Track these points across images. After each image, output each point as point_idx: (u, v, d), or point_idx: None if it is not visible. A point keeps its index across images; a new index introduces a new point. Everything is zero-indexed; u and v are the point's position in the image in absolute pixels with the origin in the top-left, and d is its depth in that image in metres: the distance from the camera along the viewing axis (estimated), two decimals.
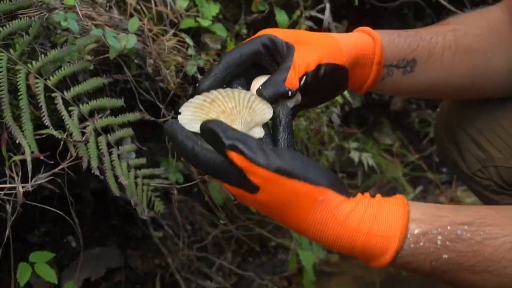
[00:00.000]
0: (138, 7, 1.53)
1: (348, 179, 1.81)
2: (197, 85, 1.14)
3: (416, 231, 0.83)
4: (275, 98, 0.90)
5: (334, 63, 1.00)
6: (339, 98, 1.60)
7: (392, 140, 2.00)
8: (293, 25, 1.78)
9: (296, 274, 1.95)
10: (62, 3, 1.38)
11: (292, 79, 0.92)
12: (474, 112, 1.31)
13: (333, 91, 1.09)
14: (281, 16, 1.68)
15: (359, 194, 0.86)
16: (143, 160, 1.39)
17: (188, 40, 1.53)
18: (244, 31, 1.70)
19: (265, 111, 0.88)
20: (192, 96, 0.94)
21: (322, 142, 1.75)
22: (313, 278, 1.85)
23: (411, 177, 2.02)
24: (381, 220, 0.83)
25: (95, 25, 1.42)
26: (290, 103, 0.92)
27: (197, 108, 0.87)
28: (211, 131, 0.81)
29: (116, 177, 1.31)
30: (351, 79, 1.07)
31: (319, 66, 0.97)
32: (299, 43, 0.98)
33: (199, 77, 1.52)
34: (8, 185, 1.22)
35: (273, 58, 0.98)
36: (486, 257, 0.82)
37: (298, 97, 0.94)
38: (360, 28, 1.12)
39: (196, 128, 0.84)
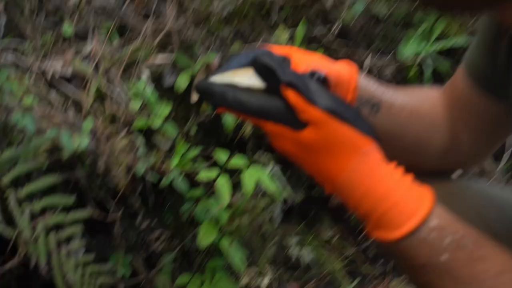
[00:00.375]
0: (93, 108, 1.58)
1: (288, 273, 1.83)
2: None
3: (434, 222, 0.84)
4: None
5: (321, 72, 1.01)
6: (279, 197, 1.67)
7: (332, 233, 2.04)
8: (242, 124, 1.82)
9: None
10: (21, 104, 1.42)
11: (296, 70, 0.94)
12: None
13: None
14: (228, 118, 1.73)
15: (395, 163, 0.88)
16: (91, 257, 1.39)
17: (139, 141, 1.58)
18: (194, 130, 1.74)
19: None
20: None
21: (264, 238, 1.77)
22: None
23: (349, 269, 2.00)
24: (412, 196, 0.86)
25: (52, 125, 1.45)
26: None
27: (224, 72, 0.91)
28: (266, 67, 0.85)
29: (63, 274, 1.31)
30: None
31: (312, 72, 0.98)
32: (291, 54, 1.00)
33: (149, 176, 1.56)
34: None
35: None
36: (473, 273, 0.85)
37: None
38: (340, 60, 1.14)
39: (230, 81, 0.88)
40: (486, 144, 1.30)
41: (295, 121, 0.84)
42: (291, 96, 0.83)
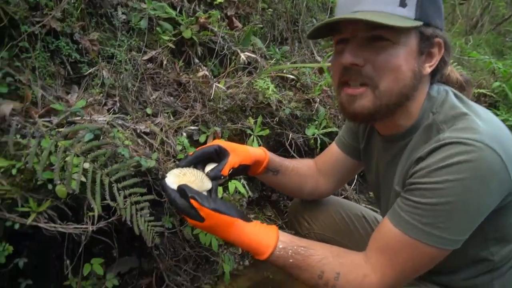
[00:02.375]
0: (158, 148, 1.54)
1: None
2: (178, 162, 1.04)
3: (280, 246, 0.82)
4: (214, 178, 0.87)
5: (246, 164, 0.99)
6: (246, 194, 1.64)
7: (271, 213, 1.98)
8: None
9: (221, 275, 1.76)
10: (123, 143, 1.40)
11: (225, 170, 0.90)
12: (305, 208, 1.31)
13: (243, 174, 1.07)
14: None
15: (254, 221, 0.84)
16: (152, 217, 1.32)
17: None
18: None
19: (208, 184, 0.85)
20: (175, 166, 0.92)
21: None
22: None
23: None
24: (266, 235, 0.83)
25: (137, 154, 1.43)
26: (221, 181, 0.90)
27: (175, 176, 0.85)
28: (182, 189, 0.79)
29: (138, 225, 1.28)
30: (251, 170, 1.07)
31: (239, 165, 0.96)
32: (232, 150, 0.94)
33: None
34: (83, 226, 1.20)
35: (218, 156, 0.94)
36: (306, 263, 0.83)
37: (226, 178, 0.92)
38: (260, 147, 1.09)
39: (174, 186, 0.81)
40: (337, 185, 1.24)
41: (199, 217, 0.78)
42: (193, 202, 0.78)
